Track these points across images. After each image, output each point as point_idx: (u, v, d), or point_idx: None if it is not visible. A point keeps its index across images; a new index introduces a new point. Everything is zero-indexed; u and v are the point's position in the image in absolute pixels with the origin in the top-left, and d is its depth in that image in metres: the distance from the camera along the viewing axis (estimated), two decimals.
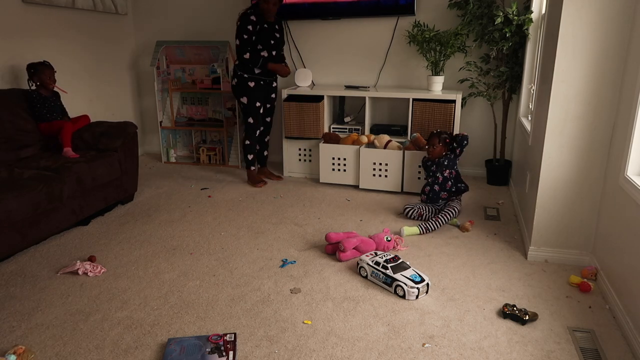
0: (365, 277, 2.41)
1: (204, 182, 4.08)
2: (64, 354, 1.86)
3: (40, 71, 3.31)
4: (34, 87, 3.35)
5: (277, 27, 3.78)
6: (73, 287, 2.35)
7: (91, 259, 2.59)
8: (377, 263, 2.35)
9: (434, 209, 3.25)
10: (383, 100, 4.25)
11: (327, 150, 3.85)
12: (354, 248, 2.61)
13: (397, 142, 3.76)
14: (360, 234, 2.96)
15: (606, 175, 2.37)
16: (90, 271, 2.47)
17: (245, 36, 3.58)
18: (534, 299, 2.22)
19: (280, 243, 2.85)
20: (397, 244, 2.75)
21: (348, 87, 4.08)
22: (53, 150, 3.34)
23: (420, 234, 2.96)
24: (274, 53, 3.74)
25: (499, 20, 3.44)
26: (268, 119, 4.06)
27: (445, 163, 3.28)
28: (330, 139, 3.92)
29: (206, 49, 4.59)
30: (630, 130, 2.03)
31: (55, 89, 3.45)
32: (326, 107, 4.04)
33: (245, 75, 3.71)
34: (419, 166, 3.61)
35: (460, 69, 3.96)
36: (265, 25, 3.66)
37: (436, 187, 3.29)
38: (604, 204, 2.36)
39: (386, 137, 3.76)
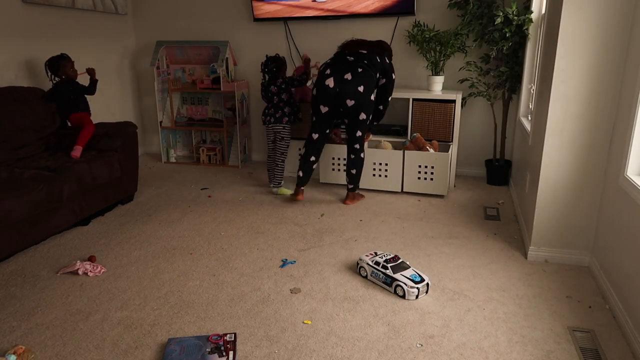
0: (365, 277, 2.41)
1: (204, 182, 4.08)
2: (64, 354, 1.86)
3: (64, 65, 3.46)
4: (57, 80, 3.47)
5: None
6: (73, 287, 2.35)
7: (91, 259, 2.59)
8: (377, 263, 2.35)
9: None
10: None
11: (327, 150, 3.85)
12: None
13: (390, 141, 3.77)
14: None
15: (606, 175, 2.37)
16: (90, 271, 2.47)
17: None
18: (534, 299, 2.22)
19: (280, 243, 2.85)
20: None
21: None
22: (53, 149, 3.35)
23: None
24: None
25: (499, 20, 3.44)
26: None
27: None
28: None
29: (206, 49, 4.59)
30: (630, 130, 2.03)
31: (80, 75, 3.60)
32: None
33: None
34: (419, 166, 3.61)
35: (460, 69, 3.96)
36: None
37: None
38: (604, 204, 2.36)
39: (388, 145, 3.78)
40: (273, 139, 3.76)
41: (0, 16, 3.39)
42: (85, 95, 3.62)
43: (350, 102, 3.15)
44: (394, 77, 3.35)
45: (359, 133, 3.32)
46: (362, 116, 3.23)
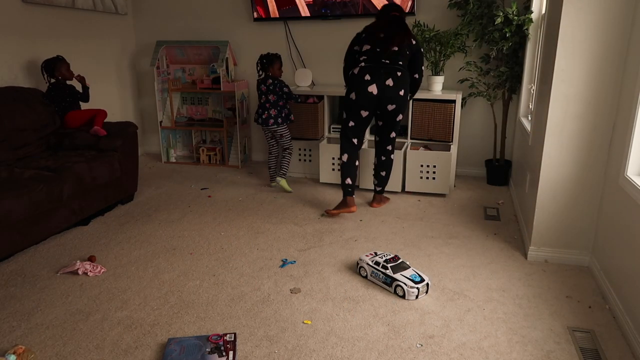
0: (365, 277, 2.41)
1: (204, 182, 4.08)
2: (64, 354, 1.86)
3: (59, 66, 3.51)
4: (53, 81, 3.52)
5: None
6: (73, 287, 2.35)
7: (91, 259, 2.59)
8: (377, 263, 2.35)
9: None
10: None
11: (327, 150, 3.85)
12: None
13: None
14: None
15: (606, 175, 2.37)
16: (90, 271, 2.47)
17: None
18: (534, 299, 2.22)
19: (280, 243, 2.85)
20: None
21: None
22: (53, 149, 3.35)
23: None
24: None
25: (499, 20, 3.44)
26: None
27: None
28: None
29: (206, 49, 4.59)
30: (630, 130, 2.03)
31: (76, 79, 3.66)
32: (326, 106, 4.03)
33: None
34: (421, 165, 3.62)
35: (460, 69, 3.96)
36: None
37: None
38: (604, 204, 2.36)
39: None
40: (271, 136, 3.80)
41: (0, 16, 3.39)
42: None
43: (391, 107, 3.11)
44: (422, 50, 3.25)
45: (393, 134, 3.28)
46: (399, 117, 3.20)
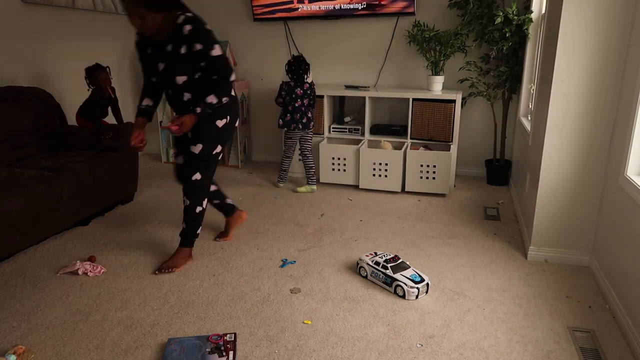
0: (365, 277, 2.41)
1: None
2: (64, 354, 1.86)
3: (97, 76, 3.51)
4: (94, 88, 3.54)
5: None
6: (73, 287, 2.35)
7: (91, 259, 2.59)
8: (377, 263, 2.35)
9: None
10: (383, 100, 4.24)
11: (327, 150, 3.85)
12: None
13: (390, 141, 3.76)
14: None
15: (606, 175, 2.37)
16: (90, 271, 2.47)
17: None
18: (534, 299, 2.22)
19: (280, 243, 2.85)
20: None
21: (348, 87, 4.08)
22: (53, 149, 3.35)
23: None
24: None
25: (499, 20, 3.44)
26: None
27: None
28: None
29: None
30: (630, 130, 2.03)
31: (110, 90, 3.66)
32: (326, 106, 4.03)
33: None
34: (421, 165, 3.62)
35: (460, 68, 3.95)
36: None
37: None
38: (604, 204, 2.36)
39: (387, 145, 3.78)
40: (296, 139, 3.77)
41: (0, 16, 3.39)
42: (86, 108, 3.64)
43: None
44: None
45: None
46: None
